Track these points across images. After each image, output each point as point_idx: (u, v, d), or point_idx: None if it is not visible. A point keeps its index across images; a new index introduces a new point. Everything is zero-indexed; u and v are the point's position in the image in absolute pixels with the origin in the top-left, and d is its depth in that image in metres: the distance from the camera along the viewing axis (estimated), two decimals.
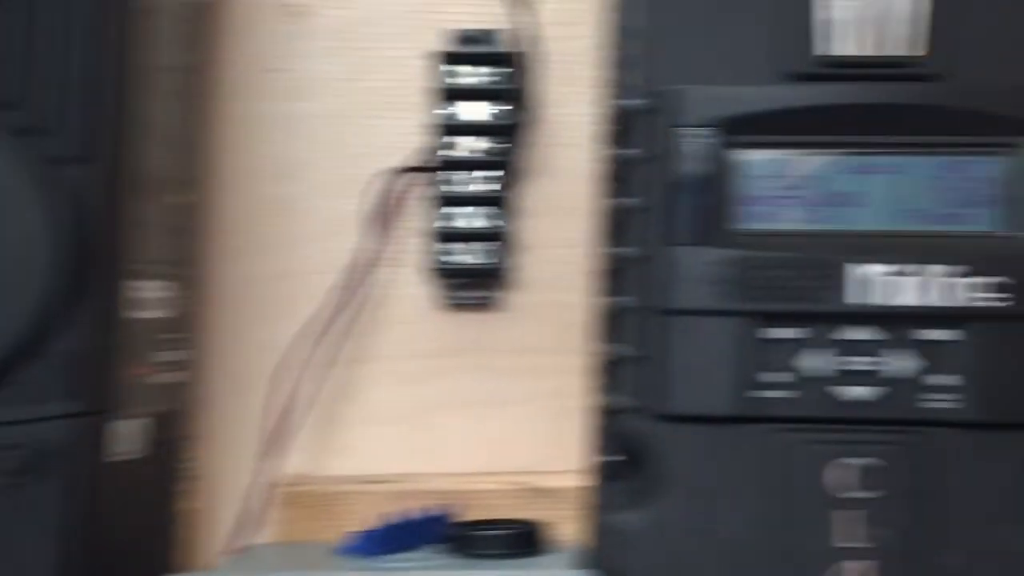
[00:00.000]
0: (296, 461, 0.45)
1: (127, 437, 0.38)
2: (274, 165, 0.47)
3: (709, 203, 0.33)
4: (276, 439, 0.43)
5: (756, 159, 0.34)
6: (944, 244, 0.33)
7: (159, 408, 0.40)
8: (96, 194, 0.35)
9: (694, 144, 0.33)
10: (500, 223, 0.45)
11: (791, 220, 0.33)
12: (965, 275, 0.32)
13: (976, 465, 0.33)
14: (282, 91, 0.47)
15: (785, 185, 0.34)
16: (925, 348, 0.33)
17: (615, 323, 0.35)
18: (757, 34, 0.34)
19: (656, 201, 0.34)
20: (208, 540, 0.45)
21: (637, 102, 0.34)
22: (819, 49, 0.33)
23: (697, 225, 0.33)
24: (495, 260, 0.46)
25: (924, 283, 0.32)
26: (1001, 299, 0.32)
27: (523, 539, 0.38)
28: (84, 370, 0.35)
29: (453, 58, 0.46)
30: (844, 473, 0.33)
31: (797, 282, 0.33)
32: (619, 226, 0.35)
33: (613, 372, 0.35)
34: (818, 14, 0.34)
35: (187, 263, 0.44)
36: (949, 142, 0.33)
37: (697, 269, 0.33)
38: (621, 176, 0.35)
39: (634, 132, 0.35)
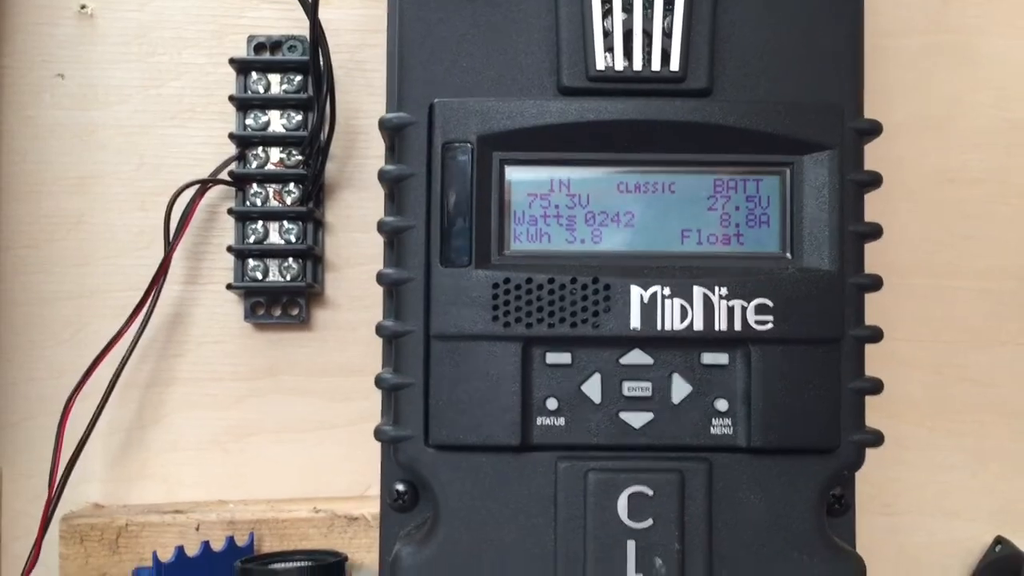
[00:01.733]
0: (94, 491, 0.43)
1: None
2: (65, 177, 0.45)
3: (476, 223, 0.32)
4: (69, 468, 0.40)
5: (525, 177, 0.32)
6: (713, 266, 0.32)
7: None
8: None
9: (458, 160, 0.32)
10: (305, 239, 0.44)
11: (562, 241, 0.32)
12: (735, 298, 0.31)
13: (750, 490, 0.32)
14: (73, 98, 0.45)
15: (556, 204, 0.32)
16: (698, 372, 0.32)
17: (395, 349, 0.34)
18: (528, 48, 0.33)
19: (422, 219, 0.33)
20: None
21: (403, 116, 0.32)
22: (590, 64, 0.32)
23: (463, 246, 0.32)
24: (301, 277, 0.44)
25: (695, 306, 0.31)
26: (770, 322, 0.31)
27: (319, 572, 0.36)
28: None
29: (249, 65, 0.44)
30: (616, 501, 0.32)
31: (568, 305, 0.31)
32: (396, 246, 0.34)
33: (394, 399, 0.33)
34: (590, 29, 0.32)
35: None
36: (719, 160, 0.32)
37: (463, 292, 0.31)
38: (394, 193, 0.33)
39: (403, 148, 0.33)
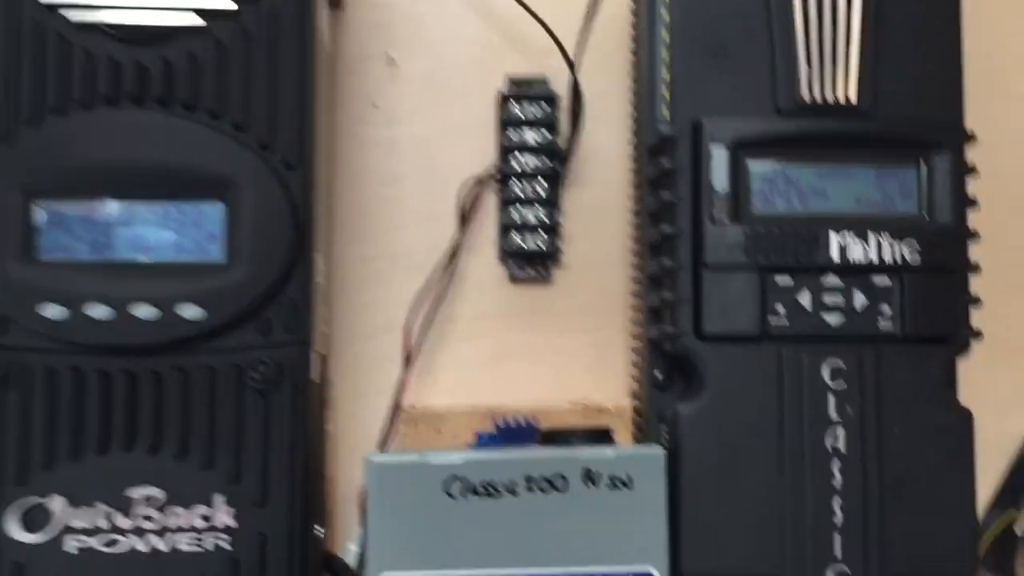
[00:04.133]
0: (407, 396, 0.61)
1: (314, 366, 0.53)
2: (379, 175, 0.63)
3: (731, 196, 0.51)
4: (404, 379, 0.58)
5: (762, 168, 0.51)
6: (878, 221, 0.51)
7: (322, 351, 0.56)
8: (304, 191, 0.51)
9: (718, 157, 0.51)
10: (551, 219, 0.62)
11: (786, 207, 0.51)
12: (895, 240, 0.51)
13: (905, 365, 0.51)
14: (382, 121, 0.63)
15: (779, 184, 0.51)
16: (871, 290, 0.51)
17: (661, 278, 0.53)
18: (753, 82, 0.52)
19: (685, 195, 0.52)
20: (343, 456, 0.60)
21: (676, 127, 0.51)
22: (796, 95, 0.52)
23: (723, 209, 0.51)
24: (548, 246, 0.62)
25: (870, 246, 0.51)
26: (918, 256, 0.51)
27: (603, 435, 0.54)
28: (302, 312, 0.50)
29: (510, 97, 0.62)
30: (820, 370, 0.51)
31: (791, 246, 0.51)
32: (660, 213, 0.52)
33: (671, 310, 0.52)
34: (796, 71, 0.52)
35: (328, 243, 0.60)
36: (879, 157, 0.52)
37: (725, 238, 0.51)
38: (661, 179, 0.52)
39: (674, 152, 0.52)
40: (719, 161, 0.50)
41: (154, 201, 0.49)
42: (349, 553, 0.57)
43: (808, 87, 0.51)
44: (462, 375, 0.61)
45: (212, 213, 0.49)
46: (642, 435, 0.56)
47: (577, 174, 0.62)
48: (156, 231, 0.48)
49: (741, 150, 0.51)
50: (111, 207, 0.49)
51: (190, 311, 0.48)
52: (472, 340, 0.61)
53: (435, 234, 0.61)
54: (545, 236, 0.61)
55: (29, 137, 0.48)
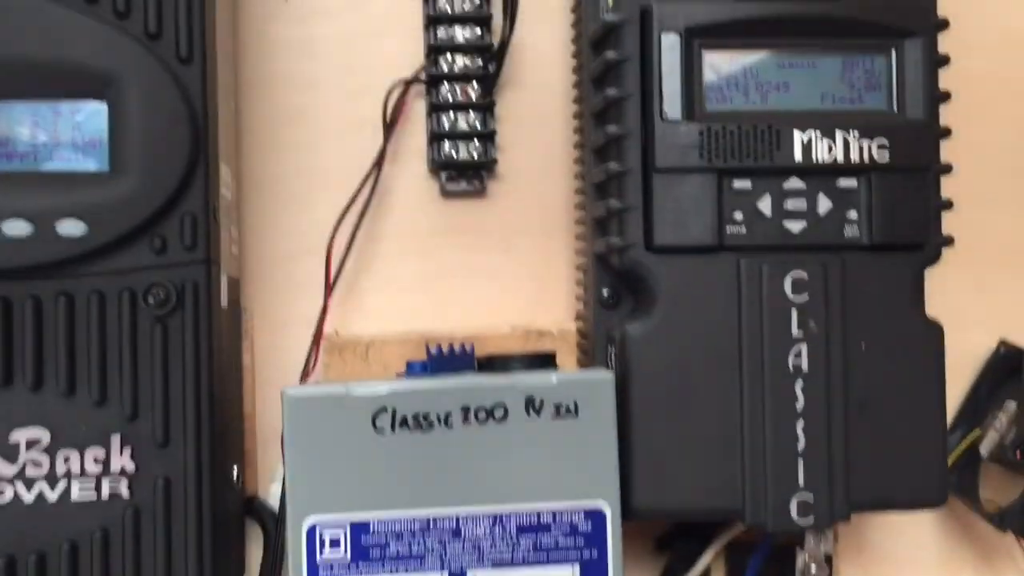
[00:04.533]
0: (331, 323, 0.55)
1: (222, 290, 0.47)
2: (292, 79, 0.57)
3: (684, 90, 0.46)
4: (326, 304, 0.53)
5: (718, 59, 0.46)
6: (845, 117, 0.46)
7: (231, 273, 0.50)
8: (204, 89, 0.45)
9: (671, 45, 0.46)
10: (485, 125, 0.56)
11: (744, 102, 0.46)
12: (864, 138, 0.46)
13: (873, 275, 0.46)
14: (295, 18, 0.57)
15: (735, 76, 0.46)
16: (835, 193, 0.46)
17: (607, 185, 0.47)
18: None
19: (634, 91, 0.46)
20: (263, 390, 0.55)
21: (622, 15, 0.46)
22: None
23: (676, 106, 0.45)
24: (481, 156, 0.57)
25: (837, 145, 0.46)
26: (887, 155, 0.46)
27: (545, 360, 0.49)
28: (202, 227, 0.44)
29: None
30: (783, 282, 0.46)
31: (749, 146, 0.46)
32: (606, 113, 0.47)
33: (619, 220, 0.47)
34: None
35: (236, 156, 0.53)
36: (847, 44, 0.47)
37: (678, 138, 0.45)
38: (607, 74, 0.47)
39: (621, 40, 0.47)
40: (671, 51, 0.45)
41: (23, 100, 0.42)
42: (272, 495, 0.52)
43: None
44: (391, 299, 0.56)
45: (92, 113, 0.42)
46: (588, 359, 0.51)
47: (511, 75, 0.56)
48: (27, 135, 0.42)
49: (695, 38, 0.45)
50: None
51: (70, 227, 0.41)
52: (401, 261, 0.56)
53: (357, 145, 0.56)
54: (478, 144, 0.55)
55: None
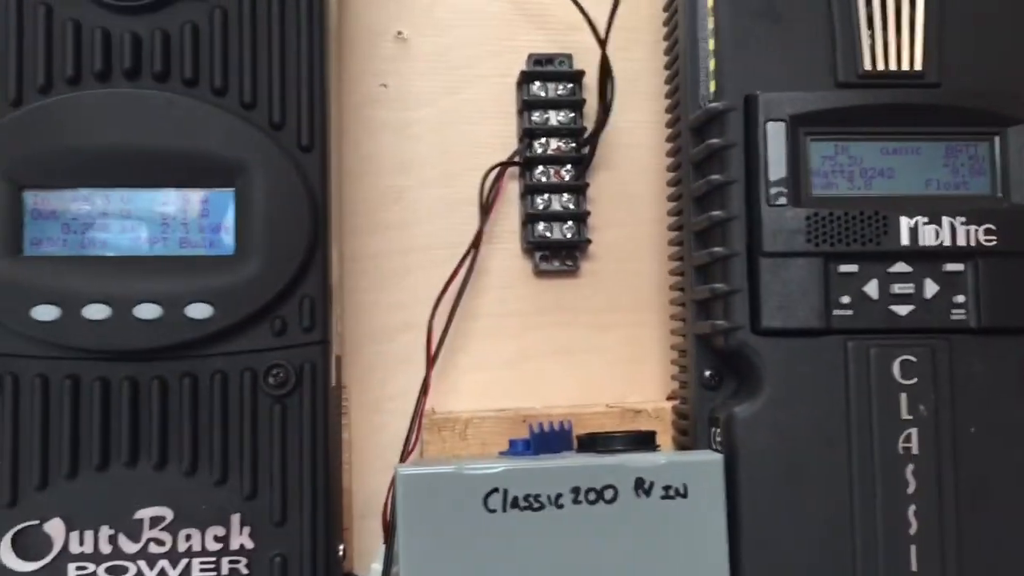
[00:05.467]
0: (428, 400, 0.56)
1: (332, 369, 0.48)
2: (390, 162, 0.58)
3: (791, 176, 0.46)
4: (427, 381, 0.54)
5: (822, 146, 0.47)
6: (951, 202, 0.47)
7: (337, 351, 0.51)
8: (323, 176, 0.46)
9: (776, 133, 0.47)
10: (578, 206, 0.57)
11: (849, 187, 0.47)
12: (970, 224, 0.46)
13: (981, 358, 0.46)
14: (393, 102, 0.58)
15: (842, 163, 0.47)
16: (942, 277, 0.47)
17: (711, 268, 0.48)
18: (811, 54, 0.47)
19: (739, 176, 0.47)
20: (359, 466, 0.55)
21: (727, 103, 0.47)
22: (859, 65, 0.47)
23: (782, 192, 0.46)
24: (574, 236, 0.57)
25: (943, 230, 0.46)
26: (994, 240, 0.46)
27: (647, 440, 0.49)
28: (320, 310, 0.45)
29: (532, 76, 0.58)
30: (892, 366, 0.46)
31: (856, 230, 0.46)
32: (709, 197, 0.48)
33: (725, 303, 0.47)
34: (859, 41, 0.47)
35: (340, 237, 0.55)
36: (950, 131, 0.47)
37: (784, 223, 0.46)
38: (710, 159, 0.47)
39: (725, 127, 0.48)
40: (776, 138, 0.46)
41: (155, 188, 0.43)
42: (372, 573, 0.52)
43: (871, 56, 0.47)
44: (485, 377, 0.57)
45: (220, 201, 0.44)
46: (687, 439, 0.51)
47: (603, 158, 0.57)
48: (158, 221, 0.43)
49: (800, 126, 0.46)
50: (107, 196, 0.43)
51: (198, 310, 0.43)
52: (495, 339, 0.57)
53: (453, 226, 0.56)
54: (572, 224, 0.56)
55: (12, 120, 0.42)
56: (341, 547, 0.49)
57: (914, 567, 0.45)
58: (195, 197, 0.44)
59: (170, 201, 0.43)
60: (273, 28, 0.44)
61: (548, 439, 0.49)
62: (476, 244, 0.56)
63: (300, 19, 0.45)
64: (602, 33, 0.55)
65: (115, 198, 0.43)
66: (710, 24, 0.48)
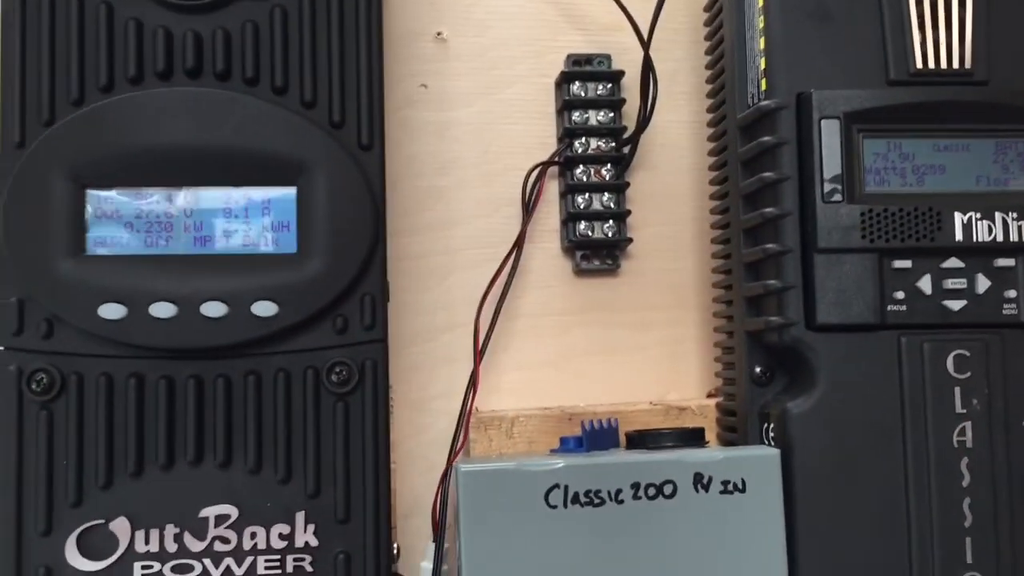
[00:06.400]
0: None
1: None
2: (431, 162, 0.58)
3: (845, 173, 0.47)
4: (475, 380, 0.54)
5: (876, 143, 0.47)
6: (1002, 198, 0.47)
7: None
8: (382, 174, 0.46)
9: (830, 131, 0.47)
10: (618, 205, 0.58)
11: (902, 184, 0.47)
12: (1019, 220, 0.47)
13: None
14: (433, 102, 0.58)
15: (894, 160, 0.48)
16: (994, 272, 0.47)
17: (763, 264, 0.49)
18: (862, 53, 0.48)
19: (792, 173, 0.47)
20: (404, 465, 0.55)
21: (779, 101, 0.47)
22: (910, 64, 0.48)
23: (836, 188, 0.47)
24: (614, 235, 0.58)
25: (996, 225, 0.47)
26: None
27: (696, 436, 0.50)
28: (381, 307, 0.45)
29: (572, 76, 0.58)
30: (946, 361, 0.47)
31: (911, 226, 0.47)
32: (761, 194, 0.48)
33: (779, 299, 0.48)
34: (910, 40, 0.48)
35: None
36: (999, 128, 0.48)
37: (839, 219, 0.47)
38: (761, 157, 0.48)
39: (776, 124, 0.48)
40: (831, 136, 0.47)
41: (218, 187, 0.43)
42: (422, 572, 0.52)
43: (921, 55, 0.47)
44: (528, 376, 0.57)
45: (283, 199, 0.44)
46: (733, 435, 0.51)
47: (641, 157, 0.58)
48: (221, 220, 0.43)
49: (853, 123, 0.47)
50: (169, 195, 0.43)
51: (263, 308, 0.43)
52: (537, 338, 0.57)
53: (493, 226, 0.57)
54: (612, 224, 0.57)
55: (75, 119, 0.42)
56: (395, 545, 0.49)
57: (969, 559, 0.45)
58: (257, 196, 0.44)
59: (232, 200, 0.43)
60: (332, 27, 0.44)
61: (599, 436, 0.50)
62: (519, 244, 0.56)
63: (359, 17, 0.45)
64: (644, 34, 0.55)
65: (177, 197, 0.43)
66: (759, 23, 0.48)
